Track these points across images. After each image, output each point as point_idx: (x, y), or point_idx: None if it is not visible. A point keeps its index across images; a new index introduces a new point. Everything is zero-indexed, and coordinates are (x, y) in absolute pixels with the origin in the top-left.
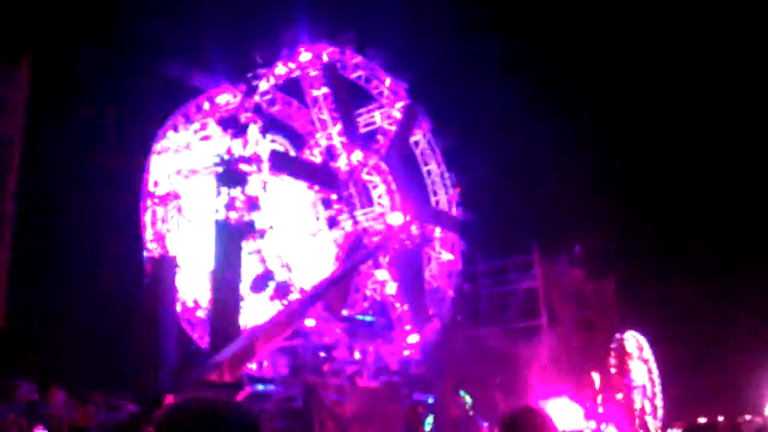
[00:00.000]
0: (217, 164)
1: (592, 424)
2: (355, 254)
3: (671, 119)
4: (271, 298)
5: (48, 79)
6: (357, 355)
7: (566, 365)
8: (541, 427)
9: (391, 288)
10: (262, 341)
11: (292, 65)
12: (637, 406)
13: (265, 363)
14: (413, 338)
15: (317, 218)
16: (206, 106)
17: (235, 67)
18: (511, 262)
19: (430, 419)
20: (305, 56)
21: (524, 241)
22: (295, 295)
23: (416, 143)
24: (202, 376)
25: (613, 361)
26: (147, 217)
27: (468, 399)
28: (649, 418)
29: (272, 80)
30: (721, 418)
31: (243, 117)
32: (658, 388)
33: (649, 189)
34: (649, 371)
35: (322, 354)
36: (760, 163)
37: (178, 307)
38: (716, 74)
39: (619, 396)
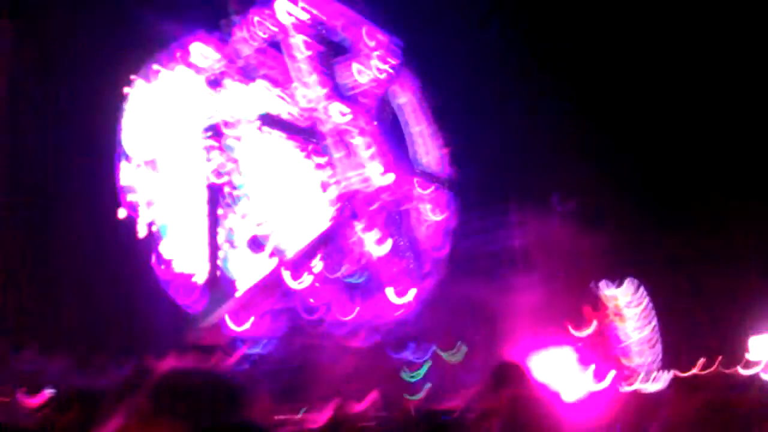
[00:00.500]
0: (204, 129)
1: (591, 368)
2: (339, 215)
3: (664, 62)
4: (270, 256)
5: (27, 39)
6: (350, 316)
7: (559, 316)
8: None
9: (385, 247)
10: (249, 304)
11: (270, 18)
12: (624, 359)
13: (257, 326)
14: (408, 297)
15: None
16: (181, 56)
17: (210, 15)
18: (499, 219)
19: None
20: (283, 6)
21: (515, 198)
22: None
23: (403, 102)
24: (193, 340)
25: (606, 313)
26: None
27: (464, 348)
28: (636, 370)
29: (250, 30)
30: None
31: (219, 69)
32: (644, 341)
33: (644, 136)
34: (641, 323)
35: (314, 316)
36: (758, 104)
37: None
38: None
39: (604, 350)
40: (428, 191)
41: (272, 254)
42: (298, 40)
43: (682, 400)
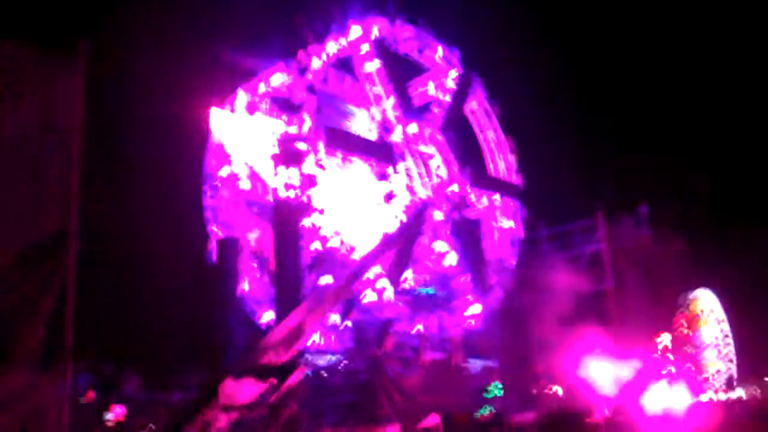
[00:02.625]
0: (273, 145)
1: (662, 385)
2: (408, 224)
3: (728, 73)
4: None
5: (103, 69)
6: (420, 328)
7: (634, 328)
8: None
9: (452, 259)
10: (311, 317)
11: (343, 41)
12: (710, 365)
13: (332, 338)
14: (475, 309)
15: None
16: (261, 87)
17: (287, 47)
18: (575, 226)
19: (498, 384)
20: (356, 31)
21: (588, 205)
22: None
23: (472, 111)
24: (257, 359)
25: (683, 321)
26: (210, 200)
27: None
28: (718, 378)
29: (324, 57)
30: None
31: (297, 96)
32: (731, 347)
33: (714, 144)
34: (722, 330)
35: (386, 328)
36: None
37: (245, 287)
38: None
39: (688, 358)
40: (498, 200)
41: (343, 269)
42: (369, 60)
43: None
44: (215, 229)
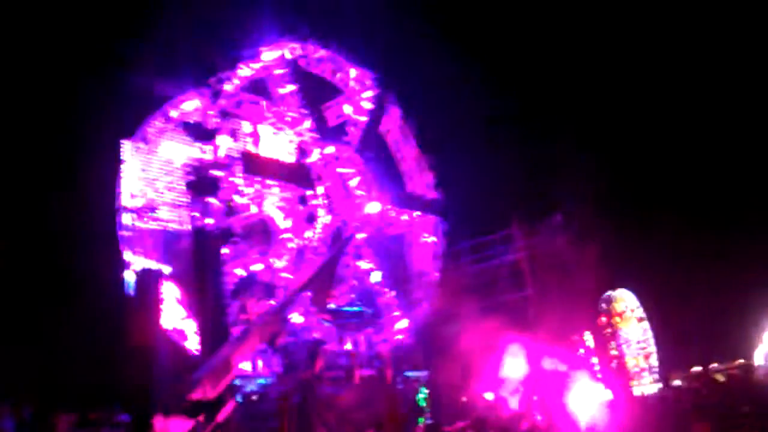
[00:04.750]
0: (188, 173)
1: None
2: (332, 246)
3: (634, 74)
4: (257, 300)
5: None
6: (349, 346)
7: (556, 331)
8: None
9: (376, 276)
10: (239, 351)
11: (255, 66)
12: (632, 363)
13: (260, 363)
14: (402, 323)
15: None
16: (173, 114)
17: (198, 72)
18: (494, 236)
19: (423, 392)
20: (268, 55)
21: (505, 215)
22: (279, 296)
23: (388, 131)
24: (185, 394)
25: (604, 320)
26: (126, 232)
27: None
28: (645, 374)
29: (237, 82)
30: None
31: (210, 122)
32: (651, 344)
33: (625, 144)
34: (641, 328)
35: (315, 350)
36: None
37: (167, 319)
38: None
39: (614, 354)
40: (417, 216)
41: (264, 294)
42: (281, 83)
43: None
44: (133, 260)
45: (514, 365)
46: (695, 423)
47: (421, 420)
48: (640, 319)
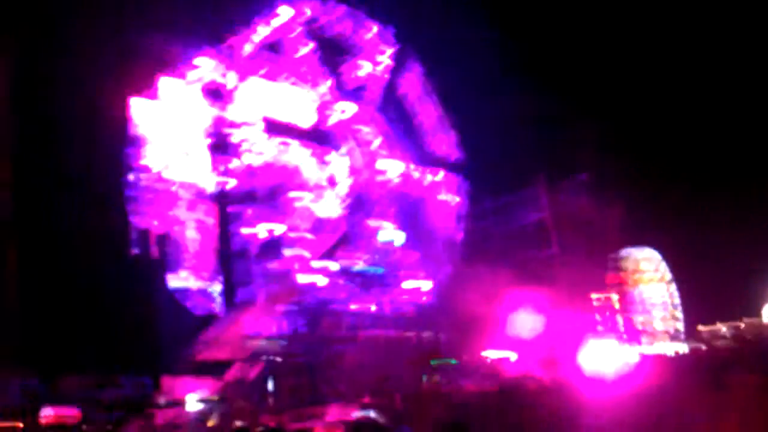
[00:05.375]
0: (207, 133)
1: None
2: (352, 220)
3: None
4: (279, 262)
5: (33, 57)
6: (372, 307)
7: (580, 288)
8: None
9: (399, 237)
10: (251, 315)
11: (274, 23)
12: (654, 321)
13: (273, 325)
14: (426, 285)
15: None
16: (190, 72)
17: (215, 32)
18: (518, 196)
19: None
20: (286, 12)
21: (528, 175)
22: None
23: (410, 89)
24: (194, 355)
25: (626, 280)
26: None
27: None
28: (658, 333)
29: (256, 40)
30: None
31: (229, 82)
32: (677, 302)
33: (648, 110)
34: (666, 287)
35: (333, 310)
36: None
37: (171, 280)
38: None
39: (627, 315)
40: (439, 177)
41: (288, 255)
42: (301, 42)
43: None
44: (143, 220)
45: (525, 323)
46: (735, 375)
47: (433, 378)
48: (663, 279)
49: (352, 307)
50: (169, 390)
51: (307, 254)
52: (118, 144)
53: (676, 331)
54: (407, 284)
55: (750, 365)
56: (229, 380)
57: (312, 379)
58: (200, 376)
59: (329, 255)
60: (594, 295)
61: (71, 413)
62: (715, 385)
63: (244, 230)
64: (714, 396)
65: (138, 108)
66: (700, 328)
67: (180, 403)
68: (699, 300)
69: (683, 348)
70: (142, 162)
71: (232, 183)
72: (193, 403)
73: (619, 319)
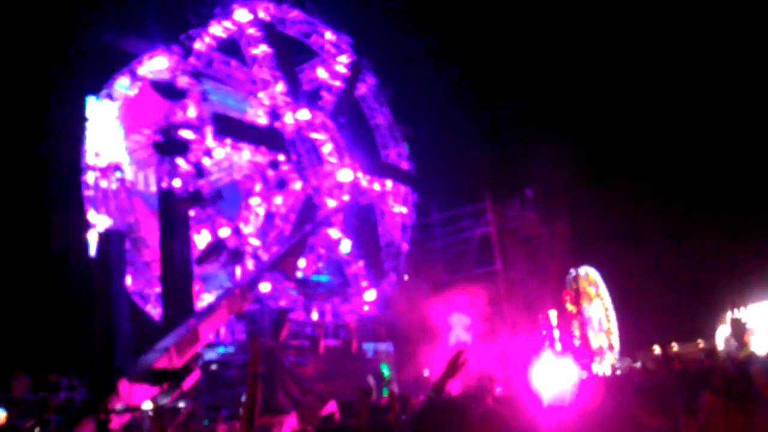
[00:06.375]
0: (156, 132)
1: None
2: (306, 227)
3: (605, 55)
4: (224, 266)
5: None
6: (315, 316)
7: (522, 306)
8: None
9: (345, 246)
10: (207, 323)
11: (228, 24)
12: (595, 341)
13: (222, 330)
14: (370, 294)
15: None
16: (142, 71)
17: (169, 30)
18: (464, 210)
19: (386, 368)
20: (241, 13)
21: (477, 189)
22: (247, 261)
23: (362, 97)
24: (151, 362)
25: (568, 297)
26: (89, 191)
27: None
28: (607, 352)
29: (208, 40)
30: (657, 349)
31: (180, 81)
32: (613, 322)
33: (594, 125)
34: (604, 306)
35: (281, 318)
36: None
37: (128, 281)
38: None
39: (576, 333)
40: (389, 186)
41: (231, 260)
42: (255, 44)
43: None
44: (96, 221)
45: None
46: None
47: (386, 391)
48: (602, 297)
49: (314, 316)
50: (126, 395)
51: (262, 259)
52: (74, 143)
53: (619, 349)
54: (351, 293)
55: (713, 387)
56: (186, 388)
57: (269, 388)
58: (156, 383)
59: (282, 261)
60: (543, 312)
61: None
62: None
63: (194, 234)
64: (667, 418)
65: (93, 107)
66: (674, 346)
67: (136, 409)
68: (641, 320)
69: (635, 365)
70: (97, 162)
71: (178, 183)
72: (148, 409)
73: (571, 336)
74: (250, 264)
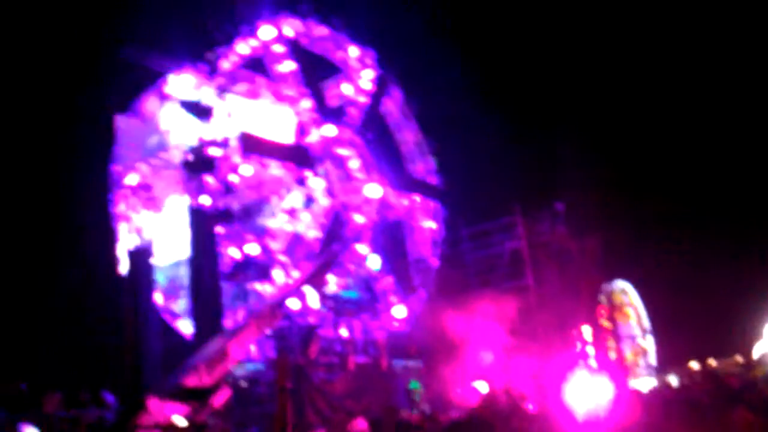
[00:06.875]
0: (184, 150)
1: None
2: (335, 245)
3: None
4: (251, 282)
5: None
6: (344, 333)
7: (554, 321)
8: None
9: (374, 262)
10: (236, 341)
11: (254, 42)
12: (630, 356)
13: (253, 348)
14: (400, 311)
15: (294, 197)
16: (169, 89)
17: (195, 48)
18: (494, 224)
19: (416, 384)
20: (267, 31)
21: (507, 203)
22: (276, 277)
23: (390, 113)
24: (180, 380)
25: (603, 313)
26: (120, 208)
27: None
28: (642, 369)
29: (235, 58)
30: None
31: (207, 99)
32: (649, 337)
33: (628, 141)
34: (639, 321)
35: (310, 335)
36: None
37: (159, 299)
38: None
39: (611, 349)
40: (417, 201)
41: (259, 276)
42: (281, 61)
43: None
44: (126, 239)
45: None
46: (739, 409)
47: (414, 410)
48: (638, 313)
49: (343, 333)
50: (155, 412)
51: (293, 276)
52: (102, 162)
53: (655, 365)
54: (380, 309)
55: (750, 404)
56: (215, 406)
57: (298, 405)
58: (186, 401)
59: (312, 278)
60: (576, 328)
61: None
62: (710, 424)
63: (224, 250)
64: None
65: (121, 125)
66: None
67: (165, 427)
68: (677, 336)
69: (672, 382)
70: (126, 181)
71: (207, 201)
72: (178, 427)
73: (606, 352)
74: (279, 280)
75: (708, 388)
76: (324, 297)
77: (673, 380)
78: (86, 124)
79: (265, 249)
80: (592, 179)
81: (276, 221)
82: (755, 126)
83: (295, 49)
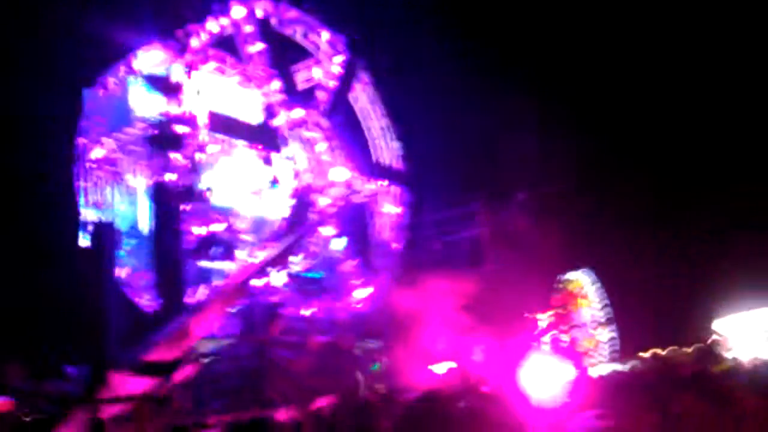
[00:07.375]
0: (151, 126)
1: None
2: (300, 228)
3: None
4: (214, 260)
5: None
6: (307, 312)
7: (513, 309)
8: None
9: (339, 243)
10: (199, 318)
11: (224, 21)
12: (585, 343)
13: (216, 325)
14: (362, 292)
15: (259, 177)
16: (137, 65)
17: (165, 24)
18: (458, 211)
19: (377, 366)
20: (238, 11)
21: (471, 192)
22: (239, 255)
23: (357, 98)
24: (143, 355)
25: (560, 300)
26: (82, 182)
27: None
28: (598, 355)
29: (204, 37)
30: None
31: (176, 76)
32: (606, 326)
33: (590, 131)
34: (596, 309)
35: (273, 313)
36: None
37: (122, 274)
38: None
39: (566, 336)
40: (383, 186)
41: (224, 255)
42: (251, 41)
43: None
44: (89, 213)
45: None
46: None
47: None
48: (597, 301)
49: (306, 312)
50: (116, 387)
51: (257, 256)
52: (67, 135)
53: (614, 351)
54: (344, 291)
55: (702, 392)
56: (176, 381)
57: (258, 383)
58: (149, 375)
59: (277, 259)
60: (534, 315)
61: (3, 403)
62: (660, 409)
63: (187, 228)
64: (659, 419)
65: (87, 97)
66: (657, 350)
67: (126, 400)
68: (637, 324)
69: (627, 367)
70: (92, 154)
71: (172, 177)
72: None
73: (561, 338)
74: (242, 259)
75: (658, 373)
76: (288, 276)
77: (626, 367)
78: (53, 96)
79: (230, 228)
80: (555, 168)
81: (242, 201)
82: (714, 116)
83: (265, 30)
